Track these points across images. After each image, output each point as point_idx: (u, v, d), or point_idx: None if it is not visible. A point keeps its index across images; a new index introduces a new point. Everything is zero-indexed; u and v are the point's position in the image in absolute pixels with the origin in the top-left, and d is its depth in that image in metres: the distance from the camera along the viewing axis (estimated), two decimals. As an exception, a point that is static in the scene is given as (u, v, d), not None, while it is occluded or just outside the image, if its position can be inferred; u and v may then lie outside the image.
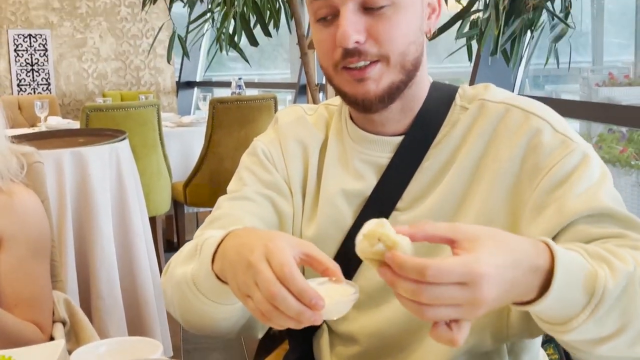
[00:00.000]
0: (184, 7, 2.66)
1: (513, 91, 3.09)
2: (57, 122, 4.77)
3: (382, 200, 1.14)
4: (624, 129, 3.86)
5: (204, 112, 5.00)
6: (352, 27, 1.03)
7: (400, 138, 1.14)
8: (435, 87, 1.18)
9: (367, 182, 1.15)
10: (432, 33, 1.14)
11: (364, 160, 1.16)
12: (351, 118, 1.20)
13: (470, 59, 2.51)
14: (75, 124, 4.72)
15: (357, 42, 1.03)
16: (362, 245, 0.80)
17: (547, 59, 2.27)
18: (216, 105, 4.23)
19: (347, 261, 1.09)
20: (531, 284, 0.82)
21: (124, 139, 3.01)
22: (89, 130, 3.55)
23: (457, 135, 1.13)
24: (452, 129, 1.13)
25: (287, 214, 1.18)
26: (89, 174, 2.75)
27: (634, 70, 8.24)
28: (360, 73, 1.06)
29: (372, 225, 0.80)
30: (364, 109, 1.10)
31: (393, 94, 1.08)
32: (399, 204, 1.13)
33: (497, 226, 0.99)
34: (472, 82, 3.10)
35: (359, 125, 1.18)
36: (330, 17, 1.06)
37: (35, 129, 4.54)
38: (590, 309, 0.84)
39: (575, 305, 0.84)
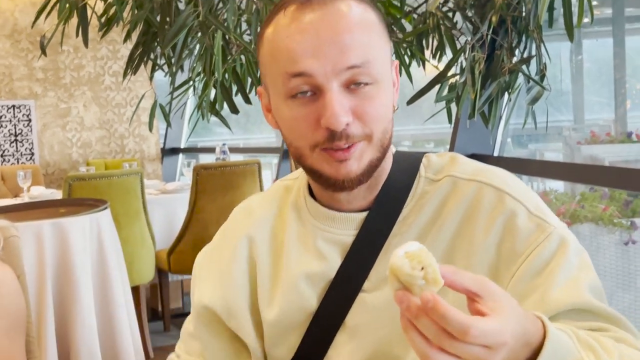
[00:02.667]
0: (164, 76, 2.68)
1: (493, 152, 3.12)
2: (40, 192, 4.75)
3: (347, 282, 1.07)
4: (606, 188, 3.89)
5: (188, 179, 5.01)
6: (341, 107, 0.97)
7: (365, 214, 1.09)
8: (399, 157, 1.13)
9: (331, 263, 1.08)
10: (395, 108, 1.09)
11: (327, 239, 1.09)
12: (310, 194, 1.14)
13: (450, 121, 2.53)
14: (59, 194, 4.71)
15: (346, 124, 0.98)
16: (401, 261, 0.74)
17: (525, 121, 2.30)
18: (200, 172, 4.24)
19: (315, 346, 1.08)
20: (519, 355, 0.81)
21: (105, 208, 3.01)
22: (71, 200, 3.54)
23: (427, 212, 1.08)
24: (419, 204, 1.09)
25: (241, 324, 1.13)
26: (69, 246, 2.73)
27: (615, 128, 8.35)
28: (344, 154, 0.99)
29: (415, 247, 0.76)
30: (340, 188, 1.03)
31: (371, 171, 1.03)
32: (366, 285, 1.07)
33: None
34: (452, 143, 3.12)
35: (320, 202, 1.11)
36: (309, 94, 1.00)
37: (18, 200, 4.53)
38: None
39: None
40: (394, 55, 2.51)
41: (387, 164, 1.10)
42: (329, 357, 1.08)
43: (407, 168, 1.12)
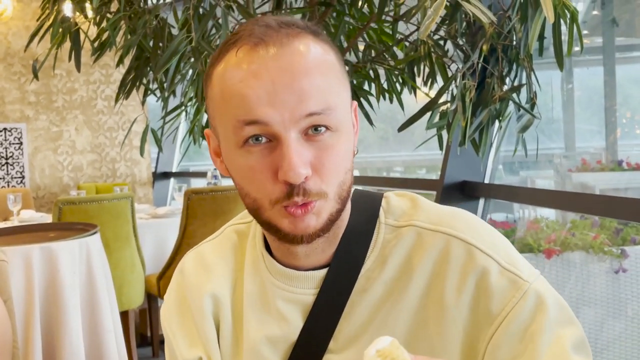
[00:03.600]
0: (157, 101, 2.69)
1: (484, 179, 3.13)
2: (30, 215, 4.75)
3: (311, 344, 1.02)
4: (596, 217, 3.90)
5: (179, 203, 5.00)
6: (299, 159, 0.90)
7: (324, 272, 1.02)
8: (358, 199, 1.06)
9: (293, 325, 1.03)
10: (355, 152, 1.01)
11: (287, 299, 1.03)
12: (266, 248, 1.06)
13: (441, 148, 2.53)
14: (49, 217, 4.70)
15: (305, 177, 0.91)
16: None
17: (515, 149, 2.31)
18: (191, 196, 4.24)
19: None
20: None
21: (95, 232, 3.00)
22: (60, 224, 3.53)
23: (392, 267, 1.01)
24: (382, 255, 1.02)
25: None
26: (58, 270, 2.72)
27: (606, 156, 8.40)
28: (303, 210, 0.92)
29: (386, 343, 0.75)
30: (298, 242, 0.96)
31: (331, 224, 0.96)
32: (332, 345, 1.01)
33: None
34: (443, 170, 3.13)
35: (277, 257, 1.04)
36: (264, 142, 0.92)
37: (8, 223, 4.51)
38: None
39: None
40: (385, 83, 2.53)
41: (346, 213, 1.03)
42: None
43: (365, 214, 1.05)
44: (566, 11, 2.00)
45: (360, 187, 1.06)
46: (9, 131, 6.44)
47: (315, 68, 0.93)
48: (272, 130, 0.90)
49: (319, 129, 0.92)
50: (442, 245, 1.00)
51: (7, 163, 6.46)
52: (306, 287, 1.03)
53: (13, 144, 6.46)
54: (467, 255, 0.99)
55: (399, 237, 1.03)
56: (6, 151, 6.44)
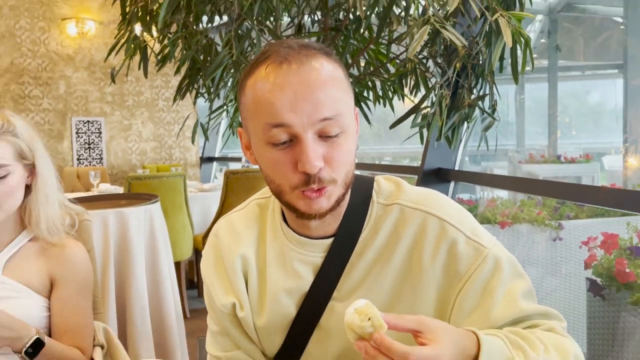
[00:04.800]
0: (204, 102, 2.69)
1: (455, 167, 3.11)
2: (106, 187, 4.77)
3: (319, 293, 1.03)
4: (539, 197, 3.89)
5: (220, 181, 5.01)
6: (315, 154, 0.89)
7: (331, 240, 1.02)
8: (354, 185, 1.04)
9: (305, 279, 1.03)
10: (356, 148, 1.01)
11: (301, 260, 1.03)
12: (284, 220, 1.06)
13: (422, 142, 2.52)
14: (121, 189, 4.71)
15: (319, 169, 0.90)
16: (352, 317, 0.75)
17: (479, 144, 2.29)
18: (229, 176, 4.24)
19: (294, 345, 1.05)
20: None
21: (156, 201, 3.01)
22: (130, 194, 3.54)
23: (382, 236, 1.02)
24: (375, 228, 1.03)
25: (244, 319, 1.07)
26: (128, 229, 2.73)
27: (548, 152, 8.36)
28: (317, 193, 0.92)
29: (362, 304, 0.77)
30: (312, 218, 0.96)
31: (337, 205, 0.96)
32: (335, 295, 1.02)
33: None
34: (423, 159, 3.12)
35: (292, 228, 1.05)
36: (287, 142, 0.91)
37: (89, 193, 4.53)
38: None
39: None
40: (380, 91, 2.52)
41: (348, 195, 1.02)
42: (308, 351, 1.05)
43: (361, 194, 1.05)
44: (521, 38, 1.98)
45: (357, 172, 1.05)
46: (91, 123, 6.46)
47: (328, 82, 0.91)
48: (293, 131, 0.89)
49: (331, 136, 0.91)
50: (421, 221, 1.01)
51: (89, 147, 6.48)
52: (316, 252, 1.03)
53: (94, 133, 6.48)
54: (440, 228, 0.99)
55: (387, 214, 1.03)
56: (89, 138, 6.46)
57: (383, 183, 1.07)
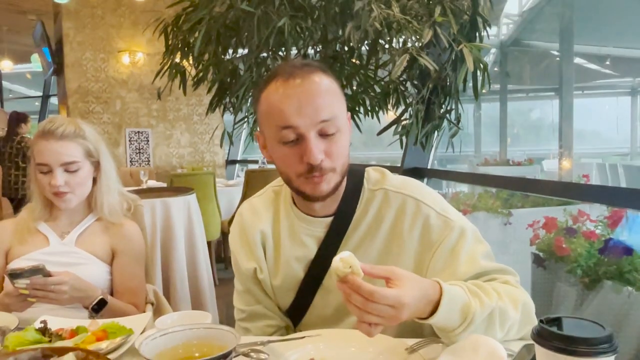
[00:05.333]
0: (230, 115, 2.68)
1: (427, 166, 3.11)
2: (153, 183, 4.76)
3: (322, 260, 1.02)
4: (493, 190, 3.89)
5: (241, 178, 5.01)
6: (317, 149, 0.90)
7: (331, 219, 1.02)
8: (349, 174, 1.03)
9: (311, 249, 1.03)
10: (349, 143, 1.01)
11: (308, 234, 1.03)
12: (294, 203, 1.06)
13: (402, 147, 2.52)
14: (164, 184, 4.71)
15: (320, 160, 0.91)
16: (337, 264, 0.77)
17: (447, 148, 2.29)
18: (249, 174, 4.24)
19: (304, 300, 1.05)
20: (425, 308, 0.81)
21: (192, 193, 3.01)
22: (172, 188, 3.55)
23: (370, 215, 1.01)
24: (365, 209, 1.02)
25: (263, 280, 1.07)
26: (171, 214, 2.74)
27: (500, 156, 8.33)
28: (319, 179, 0.93)
29: (346, 255, 0.78)
30: (316, 200, 0.97)
31: (336, 189, 0.97)
32: None
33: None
34: (403, 161, 3.12)
35: (301, 209, 1.04)
36: (294, 140, 0.91)
37: (140, 187, 4.53)
38: (464, 326, 0.83)
39: (455, 322, 0.83)
40: (369, 106, 2.52)
41: (344, 182, 1.02)
42: (314, 304, 1.05)
43: (355, 182, 1.04)
44: (481, 64, 1.98)
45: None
46: (141, 133, 6.45)
47: (326, 92, 0.91)
48: (300, 131, 0.90)
49: (329, 135, 0.91)
50: (401, 201, 1.01)
51: (139, 152, 6.47)
52: (320, 227, 1.03)
53: (143, 141, 6.47)
54: (416, 207, 1.00)
55: (375, 197, 1.03)
56: (139, 145, 6.46)
57: (372, 172, 1.07)
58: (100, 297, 1.28)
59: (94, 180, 1.42)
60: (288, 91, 0.90)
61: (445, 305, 0.81)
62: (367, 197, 1.03)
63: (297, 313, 1.07)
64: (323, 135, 0.91)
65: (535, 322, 0.89)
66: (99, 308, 1.27)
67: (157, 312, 1.46)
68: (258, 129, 1.01)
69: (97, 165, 1.42)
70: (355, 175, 1.05)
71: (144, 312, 1.38)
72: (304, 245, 1.03)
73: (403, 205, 1.00)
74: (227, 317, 3.24)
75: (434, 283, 0.83)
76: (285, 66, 0.94)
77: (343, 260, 0.77)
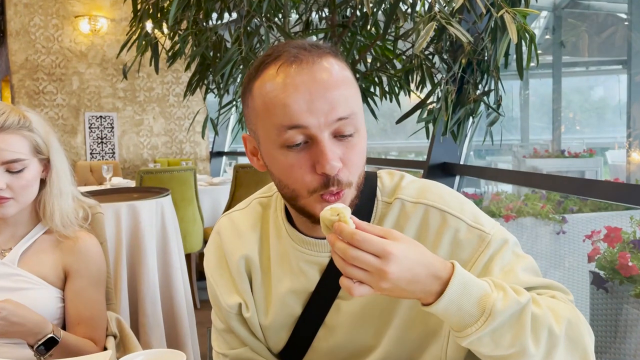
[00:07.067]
0: (214, 97, 2.68)
1: (460, 161, 3.10)
2: (118, 181, 4.78)
3: (325, 293, 0.99)
4: (543, 191, 3.87)
5: (229, 175, 5.02)
6: (333, 155, 0.85)
7: None
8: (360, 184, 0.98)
9: (311, 279, 0.99)
10: None
11: (308, 260, 0.98)
12: (287, 219, 1.01)
13: (428, 137, 2.51)
14: (132, 183, 4.73)
15: (338, 170, 0.85)
16: (326, 213, 0.79)
17: (485, 139, 2.28)
18: (238, 170, 4.24)
19: (300, 342, 1.03)
20: (431, 286, 0.78)
21: (167, 195, 3.01)
22: (142, 188, 3.55)
23: None
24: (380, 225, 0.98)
25: (249, 319, 1.04)
26: (140, 222, 2.74)
27: (552, 146, 8.32)
28: (336, 197, 0.88)
29: (339, 205, 0.80)
30: None
31: (351, 207, 0.91)
32: (341, 293, 0.98)
33: None
34: (429, 154, 3.11)
35: (298, 228, 1.00)
36: (301, 144, 0.86)
37: (102, 187, 4.55)
38: (482, 322, 0.78)
39: (470, 316, 0.79)
40: (387, 87, 2.51)
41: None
42: (313, 347, 1.03)
43: (367, 194, 0.99)
44: (527, 34, 1.97)
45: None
46: (104, 118, 6.48)
47: (341, 81, 0.86)
48: (310, 133, 0.84)
49: (346, 136, 0.87)
50: (422, 213, 0.97)
51: (102, 142, 6.50)
52: (323, 252, 0.98)
53: (106, 128, 6.50)
54: (441, 219, 0.96)
55: (390, 210, 0.99)
56: (101, 133, 6.49)
57: (385, 179, 1.03)
58: (50, 335, 1.28)
59: (42, 182, 1.43)
60: (294, 80, 0.85)
61: (456, 285, 0.78)
62: (381, 211, 1.00)
63: (292, 356, 1.06)
64: (338, 137, 0.86)
65: (588, 351, 0.84)
66: (46, 349, 1.27)
67: (122, 347, 1.46)
68: (246, 130, 0.96)
69: (46, 164, 1.42)
70: (366, 185, 1.00)
71: (105, 348, 1.38)
72: (302, 275, 1.00)
73: (425, 218, 0.97)
74: (209, 349, 3.25)
75: (444, 260, 0.81)
76: (287, 47, 0.89)
77: (333, 209, 0.79)
